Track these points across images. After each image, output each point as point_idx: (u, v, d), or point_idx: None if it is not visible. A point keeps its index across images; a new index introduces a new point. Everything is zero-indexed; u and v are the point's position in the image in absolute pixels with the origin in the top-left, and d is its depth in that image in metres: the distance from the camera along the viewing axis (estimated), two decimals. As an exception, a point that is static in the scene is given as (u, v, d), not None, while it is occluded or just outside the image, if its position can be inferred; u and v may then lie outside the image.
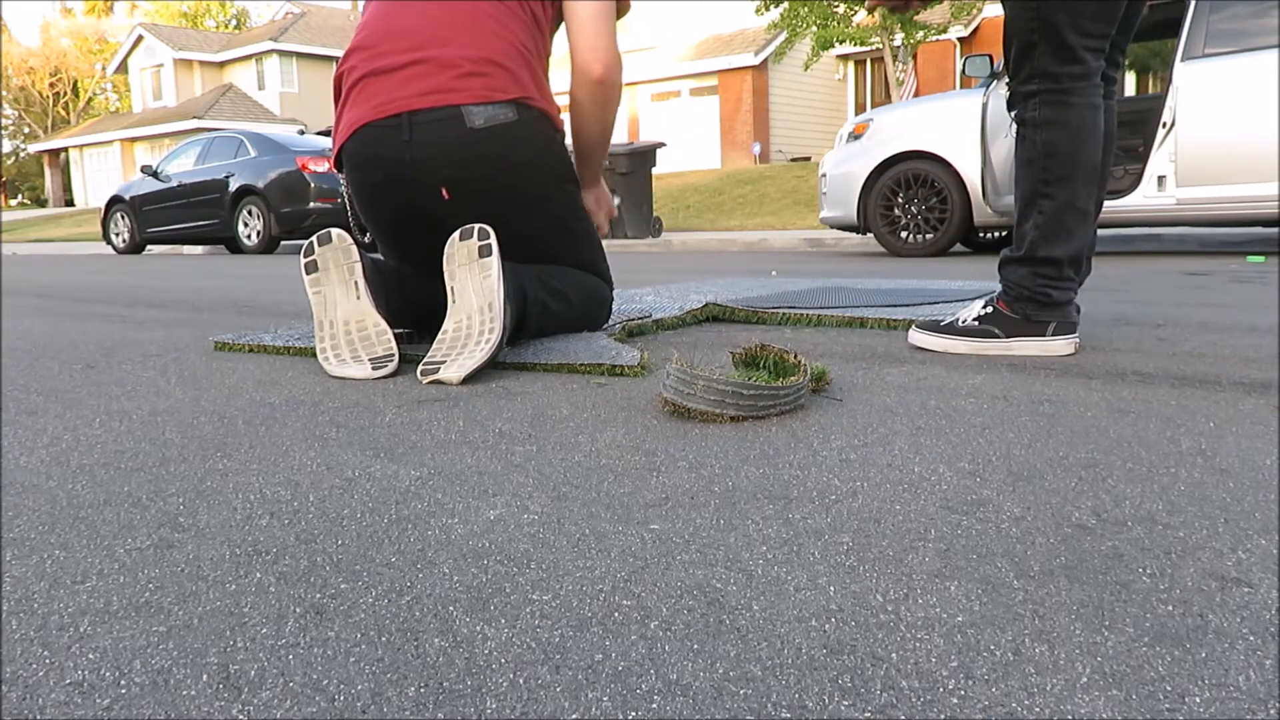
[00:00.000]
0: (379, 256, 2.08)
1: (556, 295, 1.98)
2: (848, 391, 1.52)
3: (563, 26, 2.14)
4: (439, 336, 1.75)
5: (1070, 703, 0.57)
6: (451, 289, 1.75)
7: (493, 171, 1.95)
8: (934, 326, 1.92)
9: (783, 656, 0.63)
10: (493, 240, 1.72)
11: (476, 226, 1.75)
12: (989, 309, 1.86)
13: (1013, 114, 1.83)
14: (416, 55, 1.94)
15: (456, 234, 1.75)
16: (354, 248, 1.80)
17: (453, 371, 1.62)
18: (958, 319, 1.89)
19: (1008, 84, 1.84)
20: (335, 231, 1.81)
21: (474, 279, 1.73)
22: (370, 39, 2.01)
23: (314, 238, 1.82)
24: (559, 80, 3.56)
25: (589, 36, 2.03)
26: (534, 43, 2.04)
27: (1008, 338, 1.82)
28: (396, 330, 1.98)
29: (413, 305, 2.02)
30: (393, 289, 1.94)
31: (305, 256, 1.82)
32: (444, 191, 1.94)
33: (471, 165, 1.93)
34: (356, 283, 1.80)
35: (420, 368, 1.67)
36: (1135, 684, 0.59)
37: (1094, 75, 1.76)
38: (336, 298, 1.81)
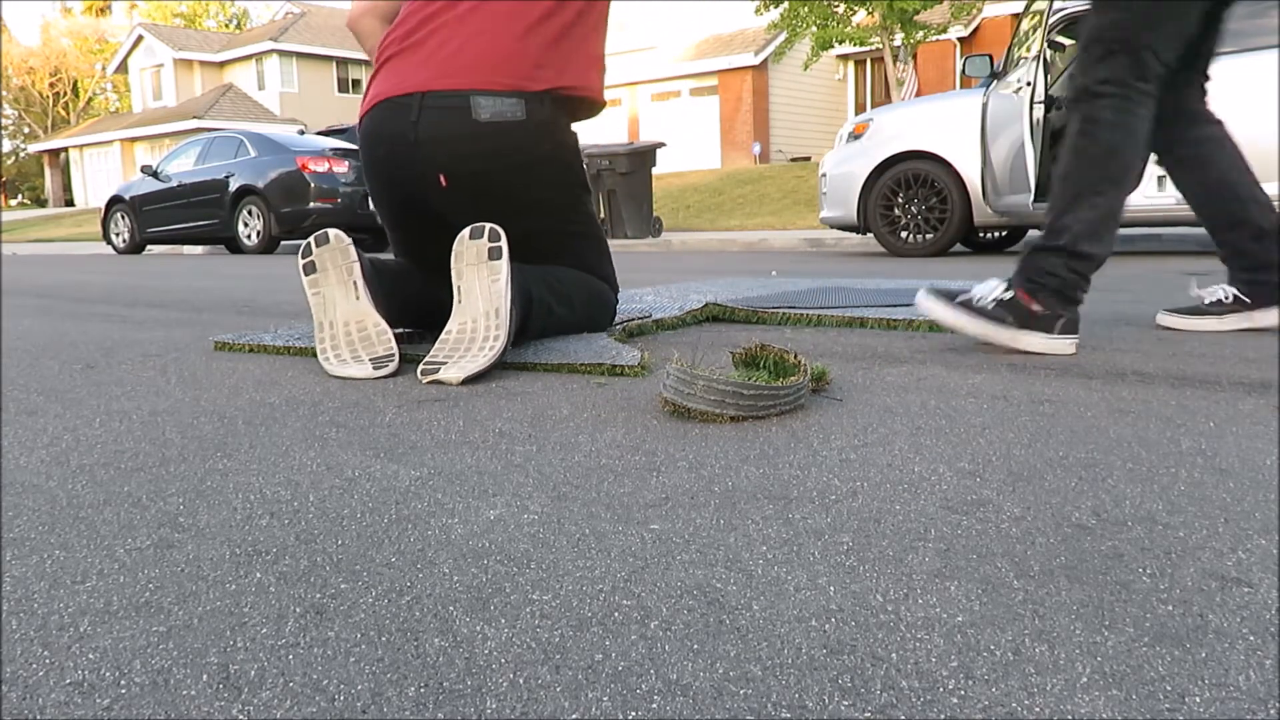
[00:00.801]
0: (377, 256, 2.08)
1: (561, 299, 1.98)
2: (848, 391, 1.52)
3: None
4: (442, 336, 1.74)
5: (1070, 703, 0.57)
6: (458, 288, 1.75)
7: (492, 168, 1.95)
8: (948, 296, 1.89)
9: (783, 656, 0.63)
10: (503, 243, 1.71)
11: (488, 226, 1.74)
12: (1009, 294, 1.84)
13: (1073, 105, 1.87)
14: (438, 39, 1.97)
15: (467, 231, 1.75)
16: (351, 248, 1.81)
17: (453, 372, 1.62)
18: (973, 296, 1.87)
19: (1072, 75, 1.89)
20: (332, 232, 1.81)
21: (482, 281, 1.72)
22: (404, 23, 2.05)
23: (311, 239, 1.82)
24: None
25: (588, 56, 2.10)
26: (563, 34, 2.02)
27: (1018, 328, 1.82)
28: (396, 330, 1.98)
29: (412, 305, 2.02)
30: (392, 288, 1.94)
31: (303, 258, 1.82)
32: (442, 179, 1.95)
33: (471, 159, 1.94)
34: (355, 283, 1.80)
35: (421, 367, 1.67)
36: (1135, 684, 0.59)
37: (1155, 95, 1.86)
38: (336, 298, 1.81)
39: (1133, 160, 1.85)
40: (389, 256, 2.18)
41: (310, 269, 1.82)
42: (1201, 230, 8.44)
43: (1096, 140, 1.83)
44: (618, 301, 2.21)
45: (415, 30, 2.01)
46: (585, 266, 2.11)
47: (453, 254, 1.76)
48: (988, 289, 1.87)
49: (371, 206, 2.29)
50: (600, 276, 2.14)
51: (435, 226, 2.03)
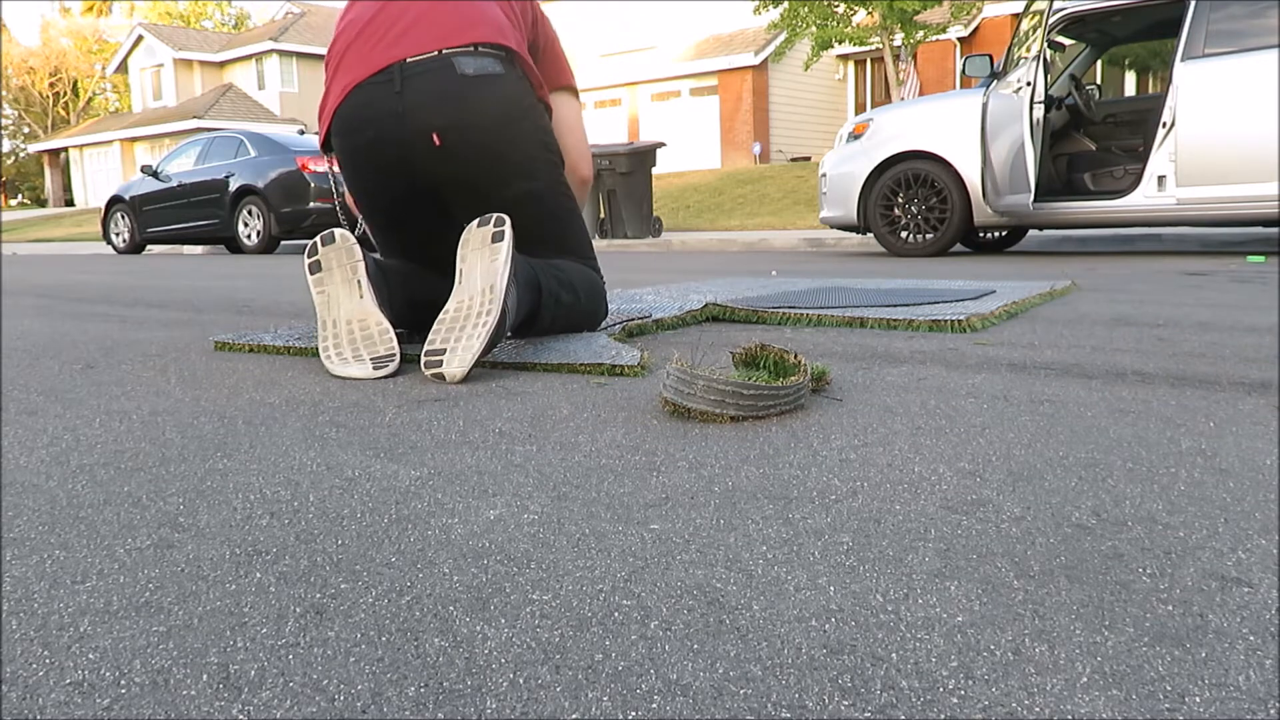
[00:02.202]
0: (381, 257, 2.08)
1: (566, 287, 2.01)
2: (848, 391, 1.52)
3: None
4: (440, 316, 1.75)
5: (1070, 703, 0.57)
6: (460, 271, 1.77)
7: (482, 122, 1.98)
8: None
9: (783, 656, 0.63)
10: (507, 228, 1.74)
11: (494, 215, 1.76)
12: None
13: None
14: (402, 24, 2.02)
15: (475, 221, 1.78)
16: (357, 247, 1.82)
17: (454, 366, 1.62)
18: None
19: None
20: (339, 231, 1.82)
21: (483, 261, 1.73)
22: (350, 28, 2.08)
23: (317, 238, 1.83)
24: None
25: (580, 141, 2.29)
26: (519, 33, 2.13)
27: None
28: (399, 330, 1.98)
29: (415, 305, 2.03)
30: (396, 288, 1.95)
31: (309, 257, 1.83)
32: (435, 138, 1.96)
33: (463, 111, 1.96)
34: (359, 282, 1.81)
35: (423, 358, 1.67)
36: (1135, 684, 0.59)
37: None
38: (340, 297, 1.82)
39: None
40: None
41: (315, 268, 1.83)
42: (1202, 230, 8.42)
43: None
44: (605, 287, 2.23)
45: (366, 28, 2.05)
46: (570, 242, 2.14)
47: (460, 242, 1.78)
48: None
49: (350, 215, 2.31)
50: (587, 258, 2.18)
51: (430, 213, 2.04)
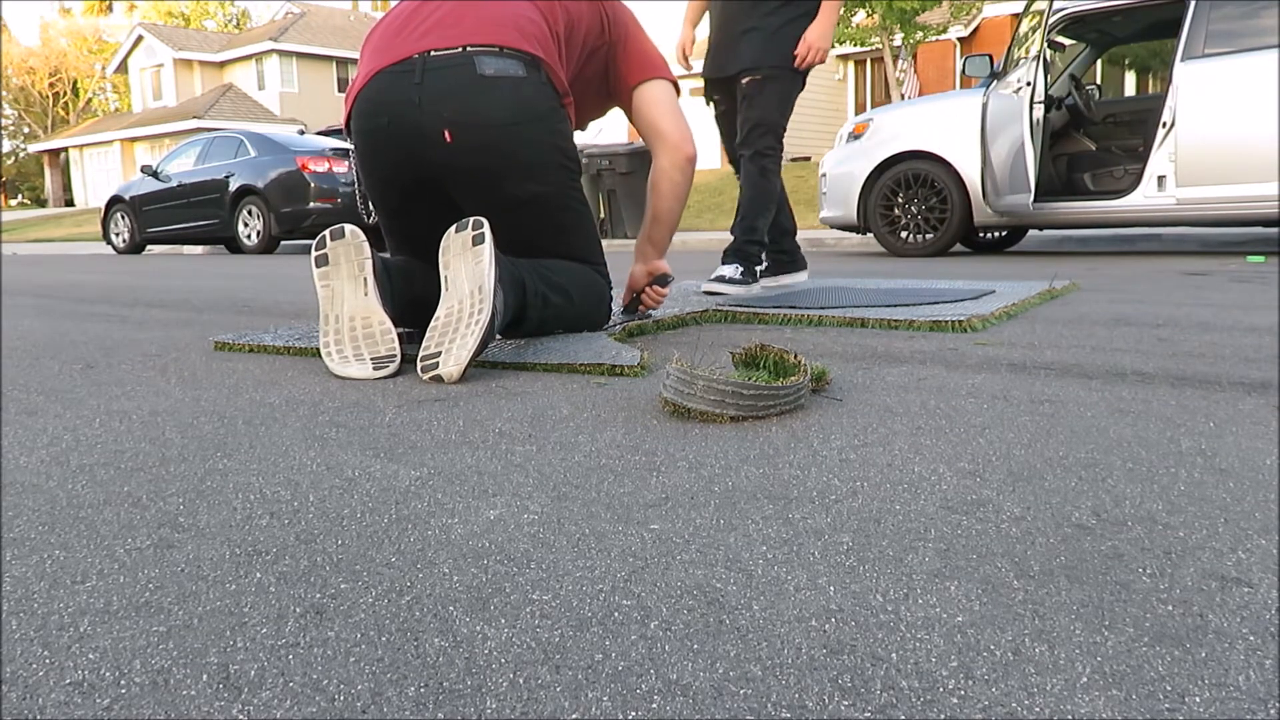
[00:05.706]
0: (388, 256, 2.09)
1: (556, 289, 2.00)
2: (848, 391, 1.52)
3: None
4: (431, 324, 1.75)
5: (1070, 703, 0.57)
6: (446, 278, 1.77)
7: (494, 121, 1.98)
8: (719, 279, 3.00)
9: (783, 656, 0.63)
10: (486, 230, 1.75)
11: (471, 219, 1.77)
12: (741, 270, 3.02)
13: (751, 160, 3.20)
14: (434, 18, 2.04)
15: (453, 228, 1.78)
16: (365, 244, 1.83)
17: (450, 366, 1.62)
18: (726, 275, 3.02)
19: (744, 141, 3.19)
20: (348, 227, 1.83)
21: (467, 265, 1.74)
22: (398, 14, 2.11)
23: (326, 232, 1.84)
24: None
25: (678, 122, 2.32)
26: (554, 40, 2.13)
27: (751, 282, 3.01)
28: (401, 329, 1.98)
29: (419, 304, 2.03)
30: (401, 288, 1.95)
31: (317, 250, 1.84)
32: (446, 134, 1.96)
33: (477, 109, 1.96)
34: (365, 279, 1.81)
35: (419, 363, 1.67)
36: (1135, 684, 0.59)
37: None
38: (345, 293, 1.82)
39: (776, 191, 3.21)
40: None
41: (322, 261, 1.83)
42: (1202, 230, 8.36)
43: (769, 180, 3.17)
44: (611, 292, 2.22)
45: (402, 19, 2.08)
46: (576, 250, 2.13)
47: (440, 249, 1.78)
48: (731, 270, 3.03)
49: (368, 204, 2.33)
50: (593, 263, 2.16)
51: (437, 206, 2.05)
